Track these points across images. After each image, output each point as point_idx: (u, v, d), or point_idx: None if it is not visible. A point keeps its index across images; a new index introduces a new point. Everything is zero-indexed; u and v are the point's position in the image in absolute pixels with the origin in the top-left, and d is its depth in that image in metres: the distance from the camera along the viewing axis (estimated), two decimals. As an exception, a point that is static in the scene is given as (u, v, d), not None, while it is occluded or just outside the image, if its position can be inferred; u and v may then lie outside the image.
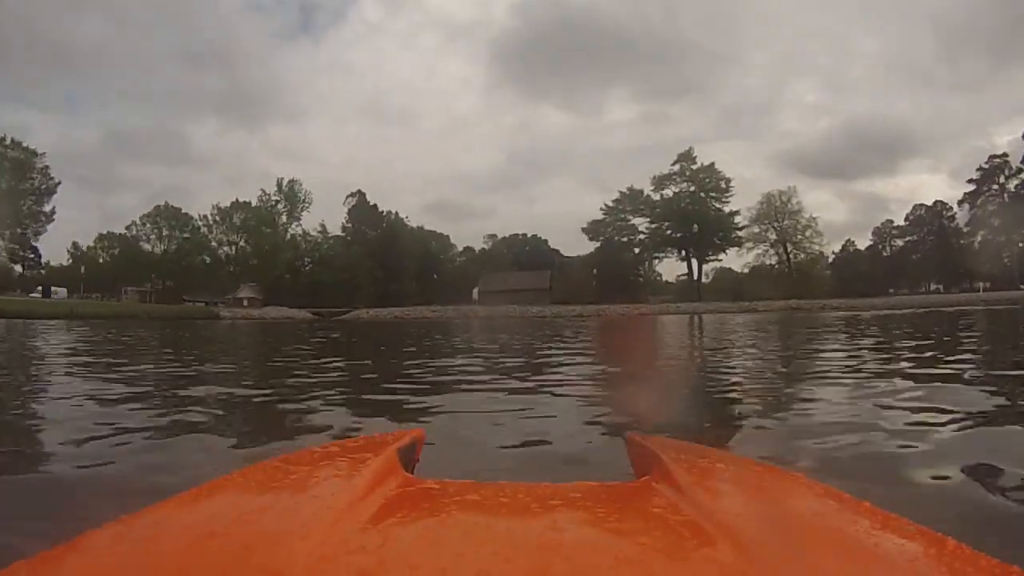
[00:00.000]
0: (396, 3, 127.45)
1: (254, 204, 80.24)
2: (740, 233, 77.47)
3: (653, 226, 78.84)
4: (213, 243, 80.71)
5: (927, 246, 73.77)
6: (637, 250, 79.30)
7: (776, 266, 78.39)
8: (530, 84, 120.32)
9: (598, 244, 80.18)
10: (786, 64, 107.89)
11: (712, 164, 77.28)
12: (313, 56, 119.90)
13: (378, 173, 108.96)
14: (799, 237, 77.36)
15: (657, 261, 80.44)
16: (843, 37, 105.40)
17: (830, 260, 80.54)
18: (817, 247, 78.25)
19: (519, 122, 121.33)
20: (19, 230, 69.69)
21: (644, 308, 60.64)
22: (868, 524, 0.66)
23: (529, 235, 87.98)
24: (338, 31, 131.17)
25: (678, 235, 77.56)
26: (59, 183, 71.69)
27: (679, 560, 0.59)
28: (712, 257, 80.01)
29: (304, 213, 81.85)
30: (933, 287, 70.15)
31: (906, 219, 77.41)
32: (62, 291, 68.10)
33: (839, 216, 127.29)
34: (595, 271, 77.29)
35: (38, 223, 71.46)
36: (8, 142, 67.24)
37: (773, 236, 77.26)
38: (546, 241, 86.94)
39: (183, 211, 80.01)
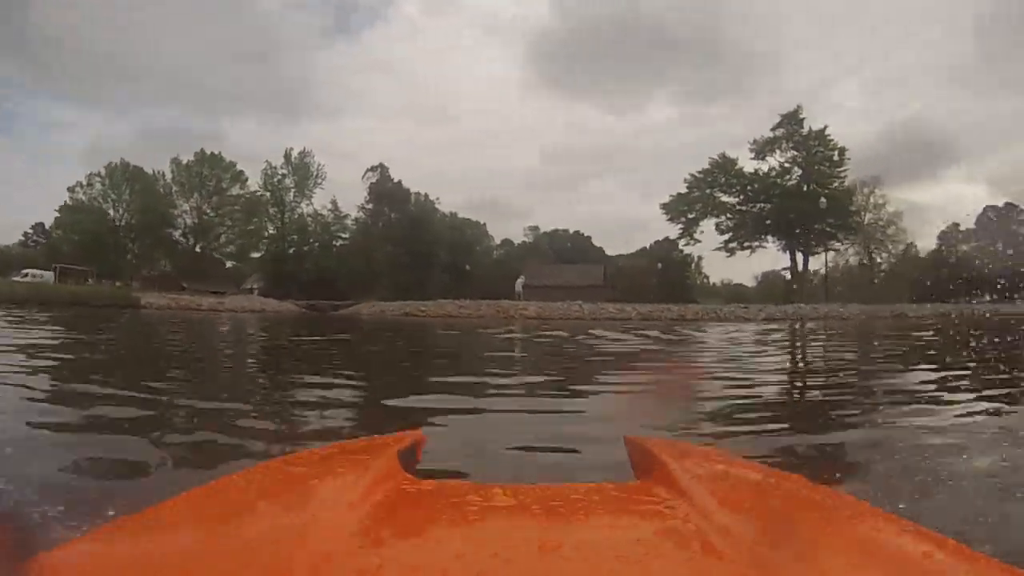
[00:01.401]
0: (435, 2, 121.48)
1: (260, 180, 66.71)
2: (866, 215, 60.81)
3: (747, 207, 61.90)
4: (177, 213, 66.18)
5: (997, 251, 66.39)
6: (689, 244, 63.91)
7: (859, 265, 65.26)
8: (569, 83, 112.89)
9: (657, 240, 66.14)
10: (826, 67, 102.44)
11: (824, 129, 59.91)
12: (351, 54, 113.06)
13: (414, 171, 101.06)
14: (880, 235, 63.29)
15: (750, 251, 63.02)
16: (883, 39, 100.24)
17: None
18: (902, 245, 64.59)
19: (557, 121, 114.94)
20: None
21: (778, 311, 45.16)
22: (868, 525, 0.66)
23: (571, 231, 75.71)
24: (376, 30, 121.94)
25: (786, 217, 59.75)
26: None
27: (679, 561, 0.59)
28: (827, 247, 62.38)
29: (318, 190, 67.85)
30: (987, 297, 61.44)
31: (976, 223, 68.52)
32: (44, 273, 53.50)
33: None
34: (660, 265, 62.09)
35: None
36: None
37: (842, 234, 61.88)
38: (589, 238, 74.42)
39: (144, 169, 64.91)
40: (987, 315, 33.19)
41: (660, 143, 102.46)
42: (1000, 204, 69.21)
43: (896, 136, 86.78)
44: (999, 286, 65.88)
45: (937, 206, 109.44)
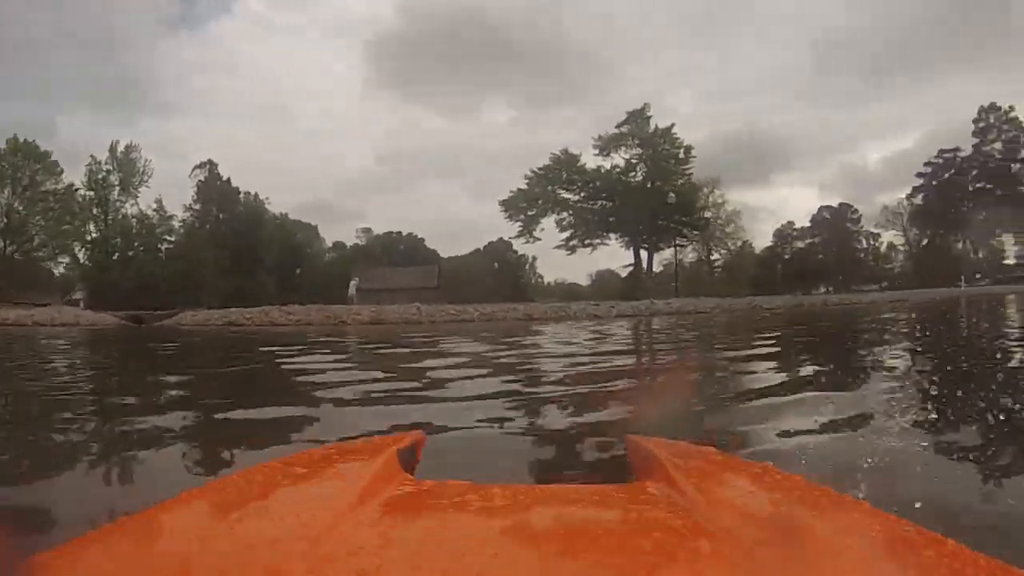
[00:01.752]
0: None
1: (83, 176, 59.41)
2: (708, 214, 61.22)
3: (589, 204, 60.77)
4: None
5: (832, 247, 71.19)
6: (528, 243, 62.13)
7: (698, 261, 68.14)
8: (408, 85, 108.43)
9: (491, 241, 64.75)
10: (665, 74, 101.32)
11: (671, 126, 59.90)
12: (193, 47, 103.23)
13: (248, 170, 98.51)
14: (719, 233, 65.84)
15: (591, 249, 62.11)
16: (723, 51, 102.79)
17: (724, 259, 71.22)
18: (739, 242, 67.36)
19: (394, 123, 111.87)
20: None
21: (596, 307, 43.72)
22: (867, 525, 0.67)
23: (404, 233, 72.57)
24: (221, 23, 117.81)
25: (631, 214, 58.87)
26: None
27: (679, 562, 0.59)
28: (676, 243, 62.53)
29: (144, 188, 60.81)
30: (823, 289, 67.92)
31: (811, 221, 74.31)
32: None
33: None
34: (496, 265, 61.48)
35: None
36: None
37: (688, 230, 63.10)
38: (423, 240, 71.62)
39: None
40: (830, 303, 34.26)
41: (496, 146, 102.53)
42: (835, 204, 73.65)
43: (730, 143, 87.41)
44: (840, 279, 71.08)
45: (769, 208, 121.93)
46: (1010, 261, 65.97)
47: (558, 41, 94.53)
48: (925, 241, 69.47)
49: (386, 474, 0.86)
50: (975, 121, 64.78)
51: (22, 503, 2.60)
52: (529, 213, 60.89)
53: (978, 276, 62.23)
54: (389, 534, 0.64)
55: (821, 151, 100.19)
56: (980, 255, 67.20)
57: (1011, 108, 62.86)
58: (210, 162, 61.59)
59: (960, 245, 68.43)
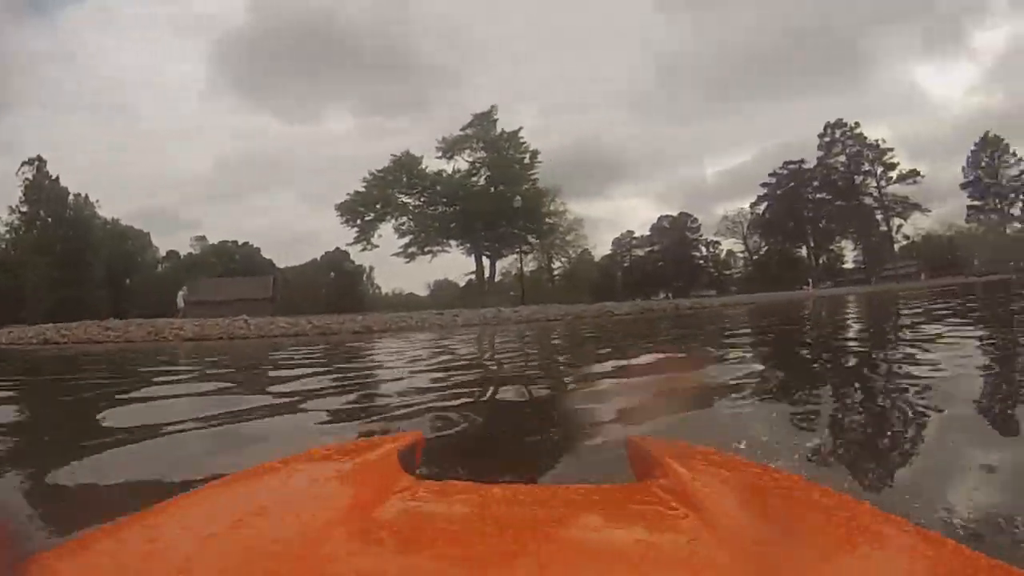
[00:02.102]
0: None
1: None
2: (551, 220, 60.29)
3: (430, 209, 58.47)
4: None
5: (670, 255, 73.96)
6: (365, 249, 59.84)
7: (538, 269, 68.12)
8: (251, 89, 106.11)
9: (328, 251, 62.94)
10: (511, 86, 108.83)
11: (519, 130, 58.67)
12: (38, 37, 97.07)
13: (82, 173, 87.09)
14: (560, 241, 65.59)
15: (431, 256, 59.77)
16: (568, 64, 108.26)
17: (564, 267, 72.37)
18: (580, 250, 67.81)
19: (235, 128, 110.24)
20: None
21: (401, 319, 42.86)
22: (868, 525, 0.66)
23: (240, 243, 69.42)
24: (67, 11, 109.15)
25: (474, 219, 56.77)
26: None
27: (680, 562, 0.59)
28: (521, 250, 61.63)
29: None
30: (662, 295, 68.79)
31: (650, 230, 77.01)
32: None
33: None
34: (332, 275, 60.21)
35: None
36: None
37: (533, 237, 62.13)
38: (259, 249, 68.80)
39: None
40: (682, 307, 35.09)
41: (337, 155, 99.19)
42: (675, 213, 76.88)
43: (572, 155, 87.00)
44: (679, 285, 73.46)
45: (607, 219, 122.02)
46: (849, 265, 70.61)
47: (406, 50, 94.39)
48: (765, 248, 72.91)
49: (386, 474, 0.86)
50: (821, 135, 68.37)
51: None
52: (367, 218, 58.54)
53: (825, 281, 65.58)
54: (389, 534, 0.64)
55: (661, 164, 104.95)
56: (820, 261, 71.07)
57: (856, 124, 66.79)
58: (39, 159, 57.58)
59: (802, 251, 72.41)
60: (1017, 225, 64.78)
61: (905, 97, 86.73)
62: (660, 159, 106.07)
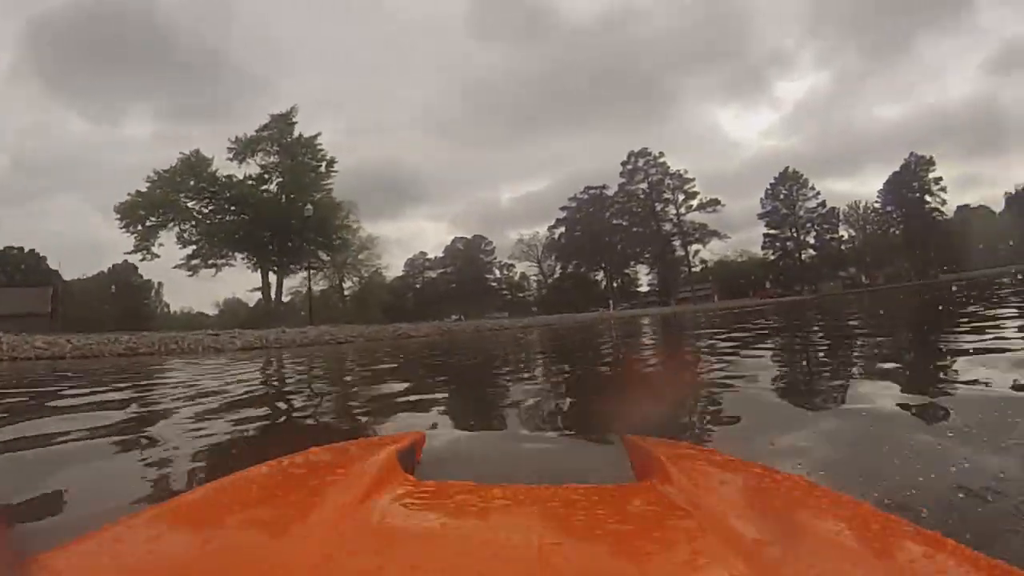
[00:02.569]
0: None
1: None
2: (346, 236, 57.20)
3: (217, 217, 52.27)
4: None
5: (463, 277, 75.25)
6: (145, 259, 52.58)
7: (329, 287, 66.85)
8: (58, 79, 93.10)
9: (116, 263, 56.80)
10: (318, 100, 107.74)
11: (317, 136, 54.54)
12: None
13: None
14: (352, 260, 64.37)
15: (215, 270, 53.22)
16: (377, 83, 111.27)
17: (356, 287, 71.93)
18: (372, 269, 67.10)
19: (34, 123, 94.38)
20: None
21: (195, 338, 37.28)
22: (867, 525, 0.67)
23: (27, 250, 60.33)
24: None
25: (262, 230, 51.48)
26: None
27: (679, 562, 0.59)
28: (310, 265, 57.73)
29: None
30: (454, 316, 70.78)
31: (444, 251, 78.52)
32: None
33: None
34: (113, 288, 54.60)
35: None
36: None
37: (324, 255, 59.26)
38: (45, 258, 60.23)
39: None
40: (482, 328, 36.08)
41: (134, 160, 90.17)
42: (469, 236, 77.97)
43: (368, 174, 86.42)
44: (472, 307, 72.87)
45: (401, 240, 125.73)
46: (643, 288, 75.72)
47: (220, 54, 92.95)
48: (560, 270, 75.93)
49: (386, 474, 0.86)
50: (624, 163, 71.90)
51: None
52: (148, 224, 51.03)
53: (622, 303, 69.58)
54: (389, 534, 0.64)
55: (458, 188, 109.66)
56: (615, 284, 75.31)
57: (661, 153, 71.05)
58: None
59: (599, 274, 76.14)
60: (811, 252, 72.92)
61: (705, 136, 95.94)
62: (458, 183, 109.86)
